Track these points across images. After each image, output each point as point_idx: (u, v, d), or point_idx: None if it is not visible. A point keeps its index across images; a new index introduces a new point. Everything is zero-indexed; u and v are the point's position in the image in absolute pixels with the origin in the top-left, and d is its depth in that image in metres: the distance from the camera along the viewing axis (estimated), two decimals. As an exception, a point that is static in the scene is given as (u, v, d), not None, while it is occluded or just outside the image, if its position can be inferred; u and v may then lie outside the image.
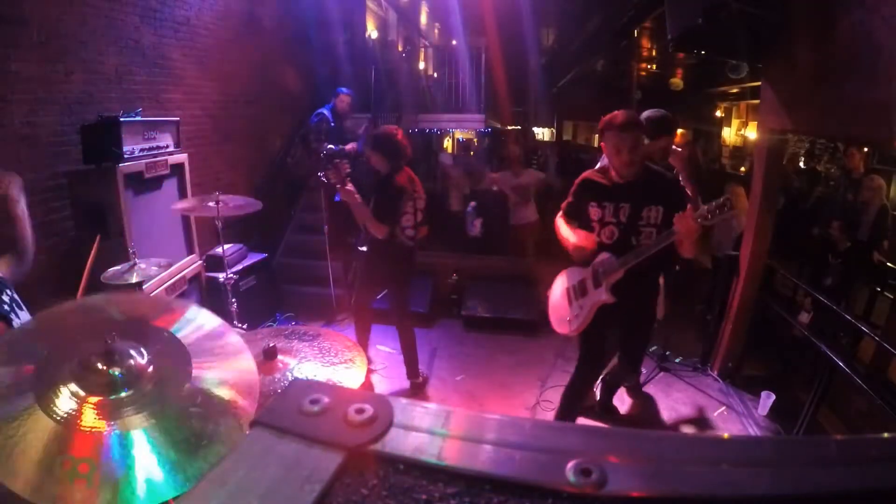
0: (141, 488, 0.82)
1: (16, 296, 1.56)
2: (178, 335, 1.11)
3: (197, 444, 0.89)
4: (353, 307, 3.61)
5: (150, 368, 1.03)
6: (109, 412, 0.94)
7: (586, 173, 2.57)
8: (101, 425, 0.92)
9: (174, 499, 0.86)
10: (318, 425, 0.38)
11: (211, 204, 3.09)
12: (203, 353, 1.09)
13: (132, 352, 1.04)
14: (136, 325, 1.13)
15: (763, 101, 3.57)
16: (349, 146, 5.16)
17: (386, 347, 4.02)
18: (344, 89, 5.40)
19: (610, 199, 2.39)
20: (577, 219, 2.53)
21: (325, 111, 5.21)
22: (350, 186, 3.06)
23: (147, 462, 0.86)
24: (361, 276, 3.60)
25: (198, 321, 1.15)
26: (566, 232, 2.52)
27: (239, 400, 1.01)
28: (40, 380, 0.98)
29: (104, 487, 0.82)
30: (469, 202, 5.47)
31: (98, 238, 2.34)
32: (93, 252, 2.22)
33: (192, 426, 0.93)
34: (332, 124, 5.18)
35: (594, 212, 2.42)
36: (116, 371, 1.00)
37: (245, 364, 1.10)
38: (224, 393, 1.01)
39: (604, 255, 2.39)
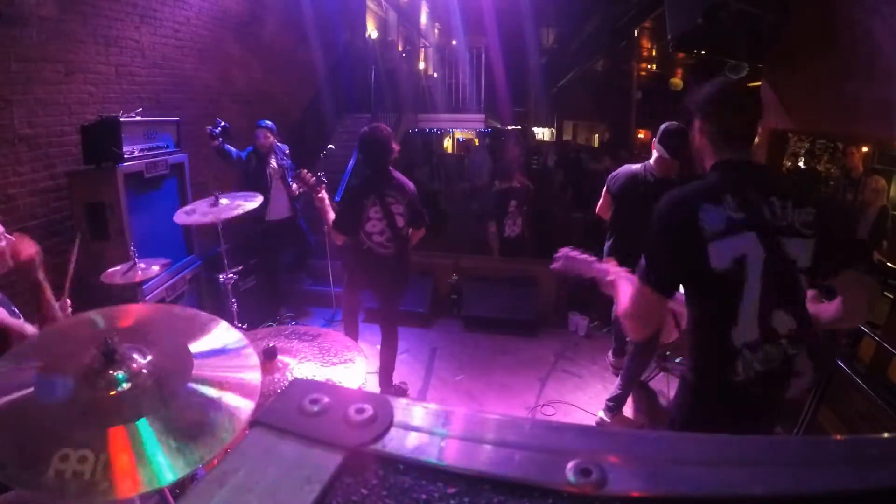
0: (141, 474, 0.84)
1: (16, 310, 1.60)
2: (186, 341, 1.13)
3: (198, 431, 0.91)
4: (342, 307, 3.57)
5: (151, 366, 1.06)
6: (108, 406, 0.97)
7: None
8: (100, 418, 0.94)
9: (176, 499, 0.87)
10: (318, 425, 0.38)
11: (211, 212, 3.02)
12: (207, 351, 1.11)
13: (133, 353, 1.06)
14: (140, 330, 1.16)
15: (763, 101, 3.57)
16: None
17: (386, 347, 4.02)
18: (265, 122, 4.15)
19: None
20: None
21: (243, 154, 4.10)
22: (322, 194, 3.06)
23: (146, 450, 0.88)
24: (344, 279, 3.52)
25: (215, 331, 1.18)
26: None
27: (239, 392, 1.03)
28: (42, 379, 1.00)
29: (102, 477, 0.84)
30: (509, 201, 5.08)
31: (77, 239, 2.32)
32: (75, 252, 2.21)
33: (192, 416, 0.95)
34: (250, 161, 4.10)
35: None
36: (115, 370, 1.01)
37: (247, 360, 1.11)
38: (225, 386, 1.03)
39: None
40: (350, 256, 3.16)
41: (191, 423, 0.93)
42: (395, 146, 3.03)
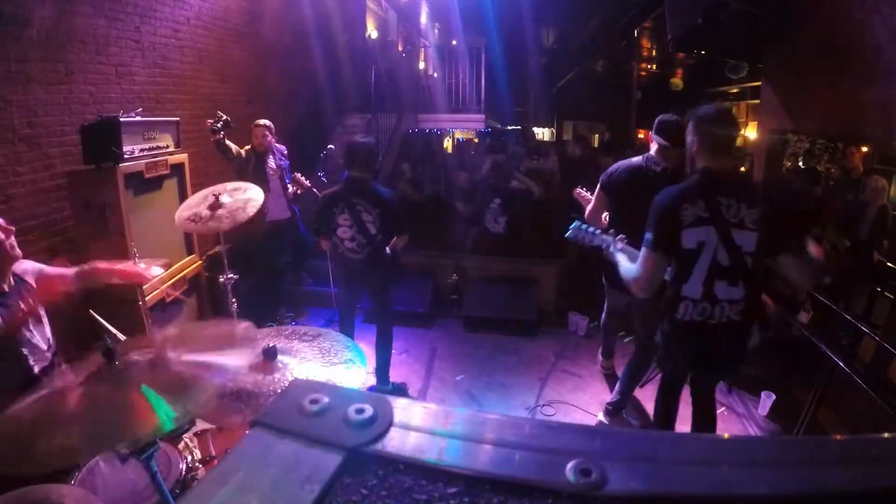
0: (143, 422, 1.08)
1: None
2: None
3: (183, 390, 1.16)
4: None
5: (148, 358, 1.20)
6: (107, 381, 1.16)
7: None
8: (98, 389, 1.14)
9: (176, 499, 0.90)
10: (317, 425, 0.38)
11: (210, 216, 2.92)
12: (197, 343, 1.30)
13: (133, 354, 1.08)
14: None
15: (763, 101, 3.57)
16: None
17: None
18: (262, 122, 4.12)
19: None
20: None
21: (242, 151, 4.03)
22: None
23: (145, 404, 1.10)
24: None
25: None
26: None
27: (214, 366, 1.25)
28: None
29: (79, 440, 1.00)
30: (494, 198, 5.29)
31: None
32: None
33: (181, 380, 1.18)
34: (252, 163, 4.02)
35: None
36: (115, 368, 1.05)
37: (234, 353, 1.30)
38: (206, 363, 1.25)
39: None
40: (332, 259, 3.34)
41: (180, 384, 1.16)
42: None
